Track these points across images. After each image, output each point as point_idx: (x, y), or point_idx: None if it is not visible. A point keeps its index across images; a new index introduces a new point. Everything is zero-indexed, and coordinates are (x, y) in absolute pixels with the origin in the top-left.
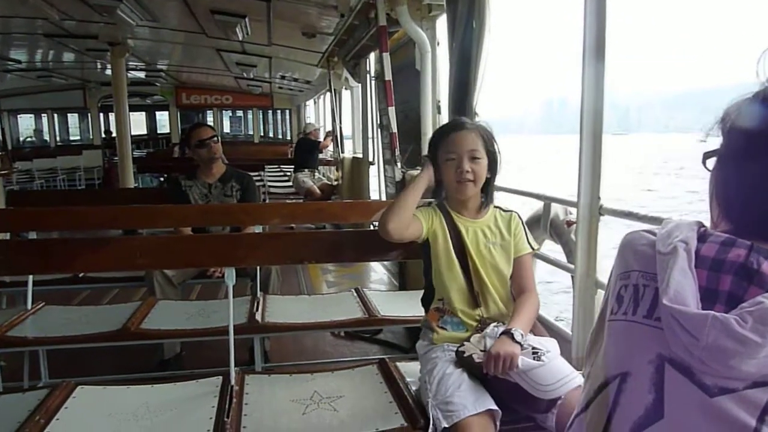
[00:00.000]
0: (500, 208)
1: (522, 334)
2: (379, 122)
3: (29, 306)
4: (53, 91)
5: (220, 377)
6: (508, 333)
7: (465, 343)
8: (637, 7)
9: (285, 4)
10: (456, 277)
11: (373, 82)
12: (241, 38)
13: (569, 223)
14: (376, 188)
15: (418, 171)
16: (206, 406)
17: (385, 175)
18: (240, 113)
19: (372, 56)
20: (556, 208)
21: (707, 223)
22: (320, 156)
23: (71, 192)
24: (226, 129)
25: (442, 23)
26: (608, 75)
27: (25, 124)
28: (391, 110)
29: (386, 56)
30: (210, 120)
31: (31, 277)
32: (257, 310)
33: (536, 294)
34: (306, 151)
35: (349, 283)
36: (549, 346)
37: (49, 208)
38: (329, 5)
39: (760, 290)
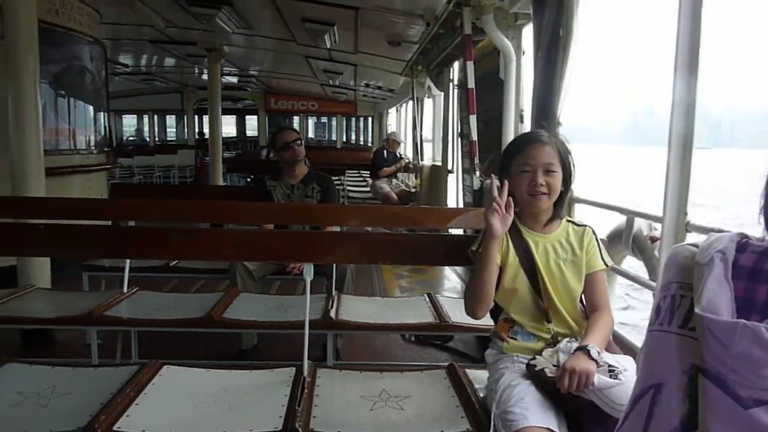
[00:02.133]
0: (573, 222)
1: (598, 352)
2: (459, 130)
3: (125, 289)
4: (154, 93)
5: (294, 368)
6: (583, 349)
7: (537, 356)
8: (737, 13)
9: (372, 12)
10: (523, 294)
11: (455, 91)
12: (328, 46)
13: (653, 239)
14: (454, 197)
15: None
16: (279, 394)
17: (463, 184)
18: (324, 119)
19: (456, 65)
20: (640, 223)
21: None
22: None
23: (166, 187)
24: (311, 134)
25: (527, 32)
26: (700, 86)
27: (128, 123)
28: (473, 118)
29: (470, 65)
30: (296, 125)
31: (128, 262)
32: (332, 307)
33: (610, 311)
34: (381, 159)
35: (421, 289)
36: (626, 364)
37: (146, 200)
38: (415, 14)
39: None
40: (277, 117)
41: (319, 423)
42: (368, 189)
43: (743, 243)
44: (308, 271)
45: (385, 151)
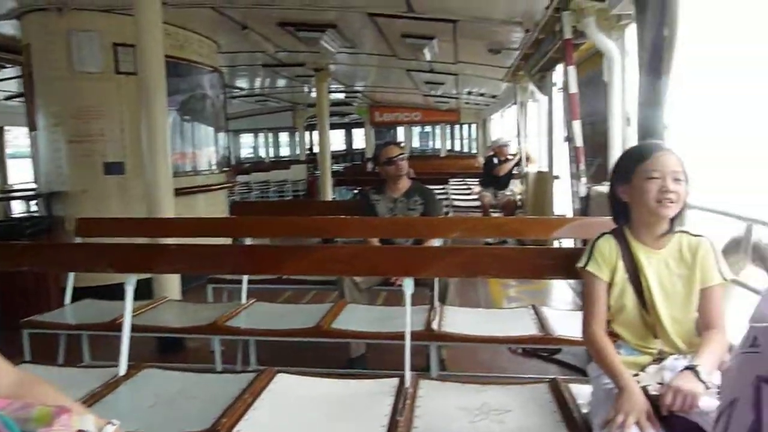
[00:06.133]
0: (688, 233)
1: (708, 373)
2: (566, 135)
3: (243, 301)
4: (268, 113)
5: (397, 379)
6: (692, 369)
7: (640, 373)
8: None
9: (470, 23)
10: (630, 309)
11: (559, 95)
12: (429, 58)
13: None
14: (563, 204)
15: (605, 188)
16: (383, 404)
17: (571, 190)
18: (428, 128)
19: (559, 68)
20: (761, 230)
21: None
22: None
23: (279, 203)
24: (415, 144)
25: (631, 32)
26: None
27: (245, 142)
28: (576, 123)
29: (571, 69)
30: (400, 135)
31: (245, 276)
32: (434, 318)
33: (725, 330)
34: (492, 164)
35: (530, 300)
36: None
37: (262, 218)
38: (514, 22)
39: None
40: (382, 129)
41: None
42: (476, 197)
43: None
44: (408, 285)
45: (495, 159)
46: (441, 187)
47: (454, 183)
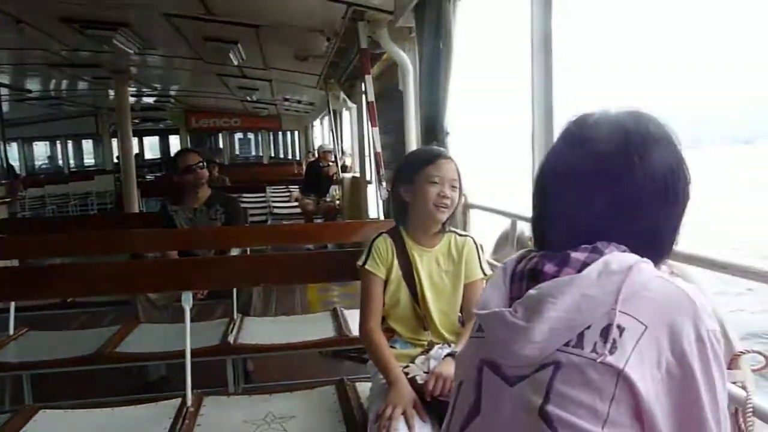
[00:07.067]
0: (456, 233)
1: None
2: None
3: (11, 331)
4: (67, 118)
5: (179, 400)
6: (453, 355)
7: (410, 364)
8: None
9: (273, 29)
10: (404, 305)
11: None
12: (236, 63)
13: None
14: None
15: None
16: (159, 428)
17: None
18: (251, 135)
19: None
20: (523, 225)
21: None
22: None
23: (67, 219)
24: (237, 151)
25: None
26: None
27: (40, 151)
28: (375, 131)
29: (368, 78)
30: (221, 143)
31: (12, 303)
32: (232, 331)
33: None
34: (315, 175)
35: (346, 302)
36: None
37: (35, 237)
38: (315, 30)
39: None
40: (201, 135)
41: None
42: (295, 204)
43: (523, 254)
44: (186, 300)
45: (320, 162)
46: (261, 195)
47: (275, 190)
